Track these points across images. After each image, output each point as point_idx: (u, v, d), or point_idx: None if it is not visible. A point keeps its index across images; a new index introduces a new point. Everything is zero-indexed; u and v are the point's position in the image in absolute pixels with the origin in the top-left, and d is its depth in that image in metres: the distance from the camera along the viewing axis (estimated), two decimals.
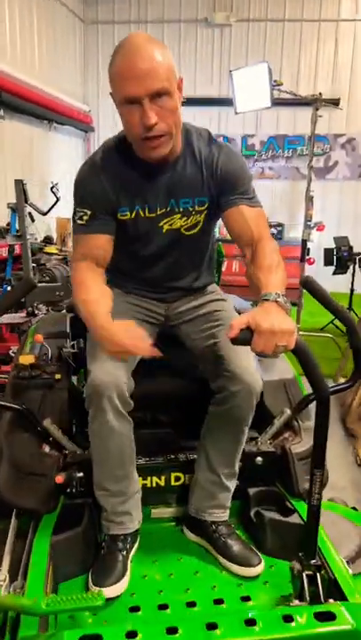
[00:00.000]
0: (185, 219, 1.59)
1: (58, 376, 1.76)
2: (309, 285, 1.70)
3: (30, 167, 6.35)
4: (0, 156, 5.62)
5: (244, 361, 1.54)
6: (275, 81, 4.18)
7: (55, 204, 4.22)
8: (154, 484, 1.75)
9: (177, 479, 1.77)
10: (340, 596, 1.36)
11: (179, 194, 1.55)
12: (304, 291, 2.65)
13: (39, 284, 3.42)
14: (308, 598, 1.34)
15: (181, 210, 1.57)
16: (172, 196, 1.55)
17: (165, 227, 1.59)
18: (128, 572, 1.51)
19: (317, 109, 4.81)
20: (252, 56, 7.53)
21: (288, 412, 1.84)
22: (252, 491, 1.76)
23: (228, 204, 1.55)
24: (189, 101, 8.41)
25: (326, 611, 1.23)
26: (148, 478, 1.74)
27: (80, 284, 1.51)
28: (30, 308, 3.07)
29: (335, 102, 6.93)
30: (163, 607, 1.42)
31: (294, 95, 4.80)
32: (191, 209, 1.57)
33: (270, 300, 1.28)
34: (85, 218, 1.52)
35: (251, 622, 1.17)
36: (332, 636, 1.18)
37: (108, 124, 8.47)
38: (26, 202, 3.63)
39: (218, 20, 7.90)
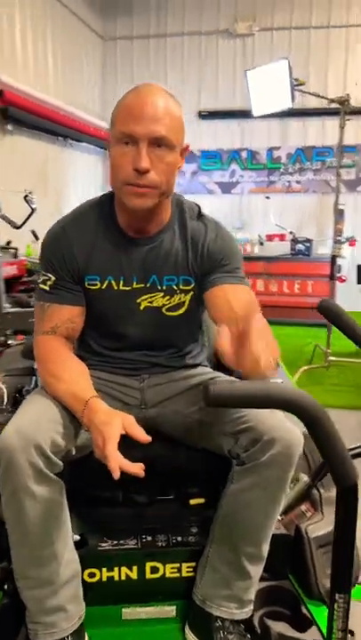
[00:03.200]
0: (168, 297, 1.39)
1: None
2: (326, 310, 1.28)
3: (44, 183, 6.12)
4: (9, 170, 5.37)
5: (271, 417, 1.20)
6: (296, 79, 3.78)
7: (30, 215, 3.84)
8: (122, 577, 1.32)
9: (154, 570, 1.33)
10: None
11: (161, 270, 1.38)
12: None
13: (10, 310, 3.07)
14: None
15: (165, 288, 1.38)
16: (153, 271, 1.37)
17: (144, 303, 1.39)
18: None
19: (346, 114, 4.38)
20: None
21: (305, 478, 1.39)
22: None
23: (209, 284, 1.37)
24: (211, 114, 8.24)
25: None
26: (115, 569, 1.32)
27: (51, 361, 1.30)
28: (2, 338, 2.70)
29: None
30: None
31: (319, 96, 4.38)
32: (176, 287, 1.39)
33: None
34: (49, 283, 1.34)
35: None
36: None
37: None
38: None
39: (240, 30, 7.60)
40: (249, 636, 1.24)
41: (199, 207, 1.44)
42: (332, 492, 1.43)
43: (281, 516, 1.39)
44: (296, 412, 0.82)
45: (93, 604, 1.32)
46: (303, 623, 1.23)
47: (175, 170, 1.27)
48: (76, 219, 1.38)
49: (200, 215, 1.42)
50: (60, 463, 1.17)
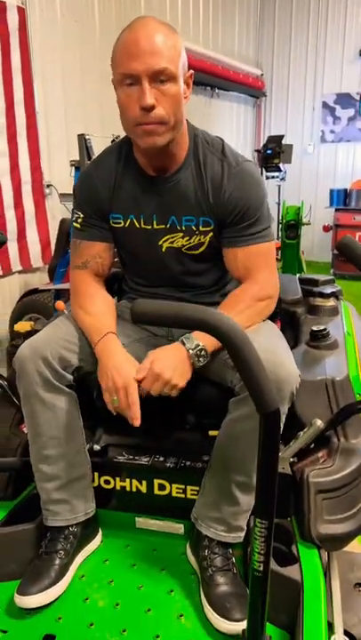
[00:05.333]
0: (187, 238, 1.42)
1: None
2: (346, 248, 1.19)
3: None
4: None
5: (273, 353, 1.21)
6: None
7: None
8: (134, 489, 1.45)
9: (161, 487, 1.43)
10: None
11: (180, 210, 1.39)
12: None
13: None
14: None
15: (184, 228, 1.40)
16: (172, 212, 1.39)
17: (165, 245, 1.43)
18: (63, 582, 1.27)
19: None
20: None
21: (319, 423, 1.34)
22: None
23: (225, 243, 1.40)
24: None
25: None
26: (127, 480, 1.45)
27: (80, 294, 1.45)
28: None
29: None
30: None
31: None
32: (195, 228, 1.40)
33: (183, 346, 1.27)
34: (80, 221, 1.45)
35: None
36: None
37: (282, 89, 7.93)
38: (89, 159, 3.45)
39: None
40: (233, 560, 1.28)
41: (223, 142, 1.39)
42: (353, 442, 1.38)
43: (293, 458, 1.38)
44: (214, 334, 0.82)
45: (110, 508, 1.48)
46: (289, 559, 1.23)
47: (182, 101, 1.26)
48: (97, 162, 1.45)
49: (224, 153, 1.36)
50: (69, 376, 1.31)
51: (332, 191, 6.90)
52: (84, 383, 1.41)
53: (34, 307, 3.68)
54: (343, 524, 1.27)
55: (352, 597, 1.35)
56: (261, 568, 0.90)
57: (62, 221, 3.81)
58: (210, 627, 1.17)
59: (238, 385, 1.25)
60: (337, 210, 6.74)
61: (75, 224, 1.46)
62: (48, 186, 4.47)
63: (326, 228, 6.70)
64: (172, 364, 1.24)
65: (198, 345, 1.26)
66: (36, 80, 4.20)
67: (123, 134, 1.40)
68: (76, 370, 1.34)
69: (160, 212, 1.39)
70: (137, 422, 1.23)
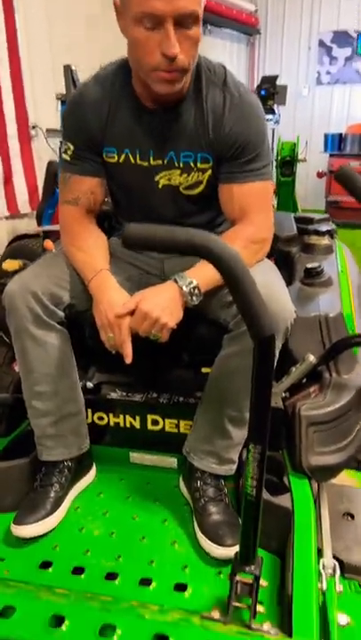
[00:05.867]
0: (185, 175, 1.35)
1: None
2: (345, 178, 1.16)
3: None
4: None
5: (269, 288, 1.18)
6: None
7: None
8: (127, 425, 1.46)
9: (154, 423, 1.44)
10: (288, 629, 0.95)
11: (179, 145, 1.31)
12: None
13: None
14: (229, 614, 0.96)
15: (182, 165, 1.33)
16: (171, 146, 1.31)
17: (162, 181, 1.36)
18: (59, 513, 1.30)
19: None
20: None
21: (311, 358, 1.35)
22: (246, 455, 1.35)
23: (222, 179, 1.33)
24: None
25: None
26: (121, 416, 1.46)
27: (72, 231, 1.39)
28: None
29: None
30: (78, 571, 1.17)
31: None
32: (193, 165, 1.33)
33: (176, 283, 1.22)
34: (69, 152, 1.36)
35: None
36: None
37: (277, 26, 7.57)
38: None
39: None
40: (225, 491, 1.31)
41: (225, 71, 1.30)
42: (345, 377, 1.39)
43: (285, 393, 1.39)
44: (207, 257, 0.79)
45: (104, 444, 1.49)
46: (280, 489, 1.26)
47: (199, 42, 1.15)
48: (87, 88, 1.33)
49: (225, 83, 1.28)
50: (60, 313, 1.29)
51: (326, 136, 6.72)
52: (77, 322, 1.40)
53: (22, 252, 3.59)
54: (333, 455, 1.30)
55: (340, 526, 1.39)
56: (254, 493, 0.91)
57: (50, 164, 3.68)
58: (202, 552, 1.21)
59: (233, 321, 1.23)
60: (331, 155, 6.59)
61: (64, 156, 1.38)
62: (33, 127, 4.30)
63: (320, 175, 6.56)
64: (161, 303, 1.20)
65: (192, 283, 1.23)
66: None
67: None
68: (67, 307, 1.31)
69: (158, 147, 1.32)
70: (128, 359, 1.21)
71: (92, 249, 1.36)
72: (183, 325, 1.31)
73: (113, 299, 1.24)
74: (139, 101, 1.30)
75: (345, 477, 1.63)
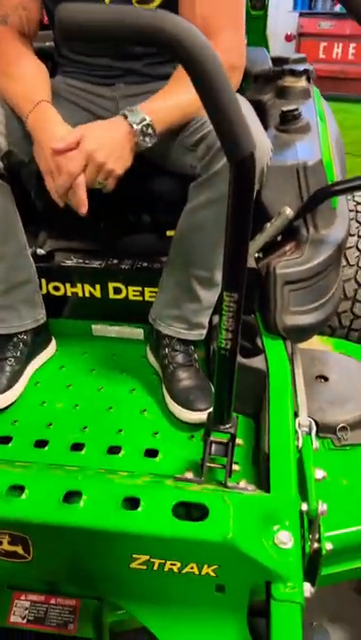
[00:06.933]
0: None
1: None
2: None
3: None
4: None
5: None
6: None
7: None
8: (87, 294, 1.33)
9: (117, 291, 1.32)
10: (266, 485, 0.91)
11: None
12: None
13: None
14: (203, 474, 0.91)
15: None
16: None
17: None
18: (17, 388, 1.20)
19: None
20: None
21: (288, 212, 1.21)
22: (216, 320, 1.26)
23: None
24: None
25: (200, 504, 0.80)
26: (79, 285, 1.32)
27: (1, 57, 1.15)
28: None
29: None
30: (41, 444, 1.09)
31: None
32: None
33: (126, 119, 1.03)
34: None
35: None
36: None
37: None
38: None
39: None
40: (196, 357, 1.23)
41: None
42: (323, 232, 1.27)
43: (258, 253, 1.27)
44: (167, 44, 0.61)
45: (63, 317, 1.37)
46: (253, 352, 1.18)
47: None
48: None
49: None
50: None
51: None
52: (20, 179, 1.21)
53: None
54: (309, 315, 1.22)
55: (314, 388, 1.36)
56: (229, 346, 0.81)
57: None
58: (173, 418, 1.15)
59: (201, 164, 1.06)
60: (301, 15, 5.98)
61: None
62: None
63: (289, 38, 6.01)
64: (107, 145, 1.01)
65: (145, 119, 1.03)
66: None
67: None
68: (5, 156, 1.11)
69: None
70: (83, 207, 1.04)
71: (29, 78, 1.13)
72: (138, 176, 1.14)
73: (56, 134, 1.04)
74: None
75: (317, 343, 1.59)
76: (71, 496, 0.83)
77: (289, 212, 1.21)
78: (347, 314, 1.68)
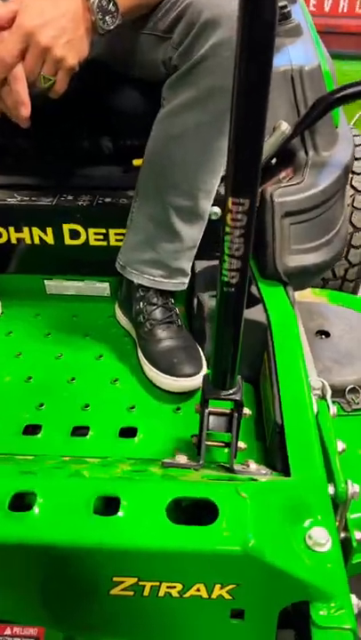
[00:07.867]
0: None
1: None
2: None
3: None
4: None
5: None
6: None
7: None
8: (36, 241, 1.06)
9: (74, 235, 1.06)
10: (282, 467, 0.69)
11: None
12: None
13: None
14: (201, 456, 0.68)
15: None
16: None
17: None
18: None
19: None
20: None
21: (284, 127, 0.97)
22: (200, 265, 1.02)
23: None
24: None
25: (205, 499, 0.57)
26: (25, 229, 1.05)
27: None
28: None
29: None
30: None
31: None
32: None
33: None
34: None
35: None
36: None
37: None
38: None
39: None
40: (177, 311, 0.99)
41: None
42: (325, 154, 1.04)
43: None
44: None
45: (8, 273, 1.11)
46: (249, 301, 0.96)
47: None
48: None
49: None
50: None
51: None
52: None
53: None
54: (315, 253, 1.00)
55: (315, 345, 1.15)
56: (235, 280, 0.58)
57: None
58: (153, 388, 0.91)
59: (178, 52, 0.81)
60: None
61: None
62: None
63: None
64: (53, 20, 0.73)
65: None
66: None
67: None
68: None
69: None
70: (24, 111, 0.76)
71: None
72: (95, 88, 0.88)
73: None
74: None
75: (311, 295, 1.39)
76: (23, 499, 0.59)
77: (286, 126, 0.97)
78: (341, 262, 1.48)
